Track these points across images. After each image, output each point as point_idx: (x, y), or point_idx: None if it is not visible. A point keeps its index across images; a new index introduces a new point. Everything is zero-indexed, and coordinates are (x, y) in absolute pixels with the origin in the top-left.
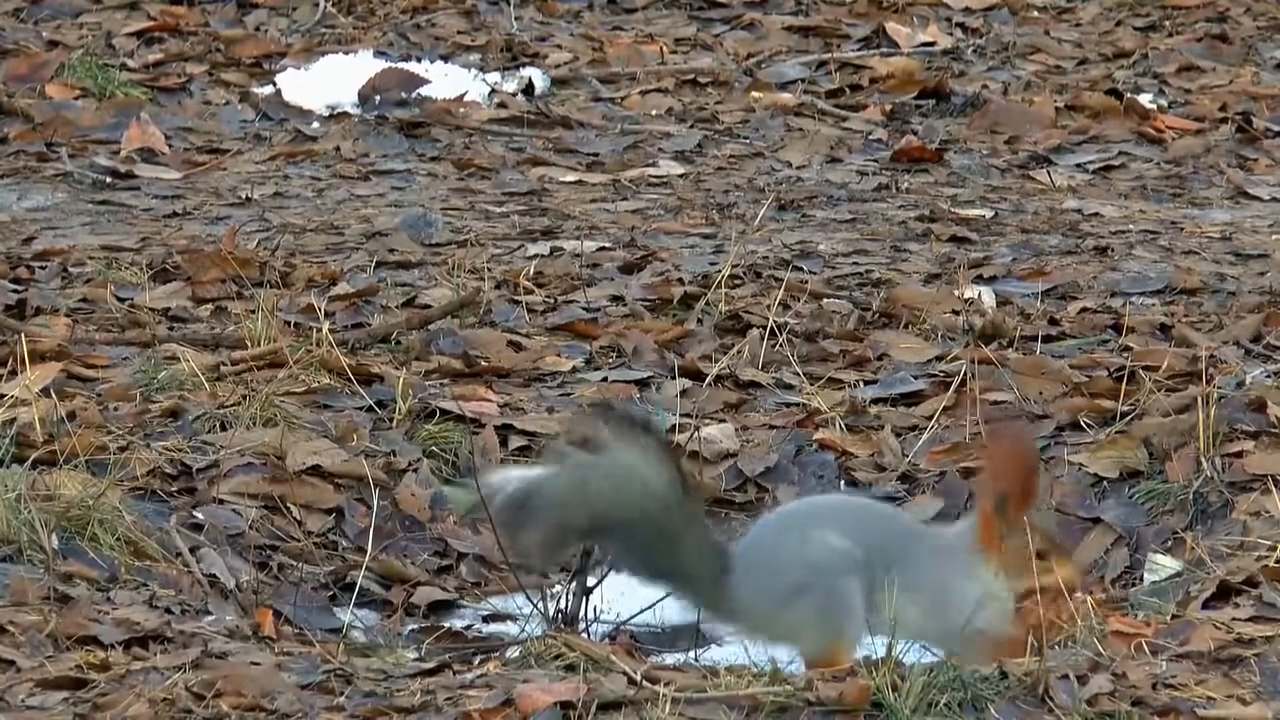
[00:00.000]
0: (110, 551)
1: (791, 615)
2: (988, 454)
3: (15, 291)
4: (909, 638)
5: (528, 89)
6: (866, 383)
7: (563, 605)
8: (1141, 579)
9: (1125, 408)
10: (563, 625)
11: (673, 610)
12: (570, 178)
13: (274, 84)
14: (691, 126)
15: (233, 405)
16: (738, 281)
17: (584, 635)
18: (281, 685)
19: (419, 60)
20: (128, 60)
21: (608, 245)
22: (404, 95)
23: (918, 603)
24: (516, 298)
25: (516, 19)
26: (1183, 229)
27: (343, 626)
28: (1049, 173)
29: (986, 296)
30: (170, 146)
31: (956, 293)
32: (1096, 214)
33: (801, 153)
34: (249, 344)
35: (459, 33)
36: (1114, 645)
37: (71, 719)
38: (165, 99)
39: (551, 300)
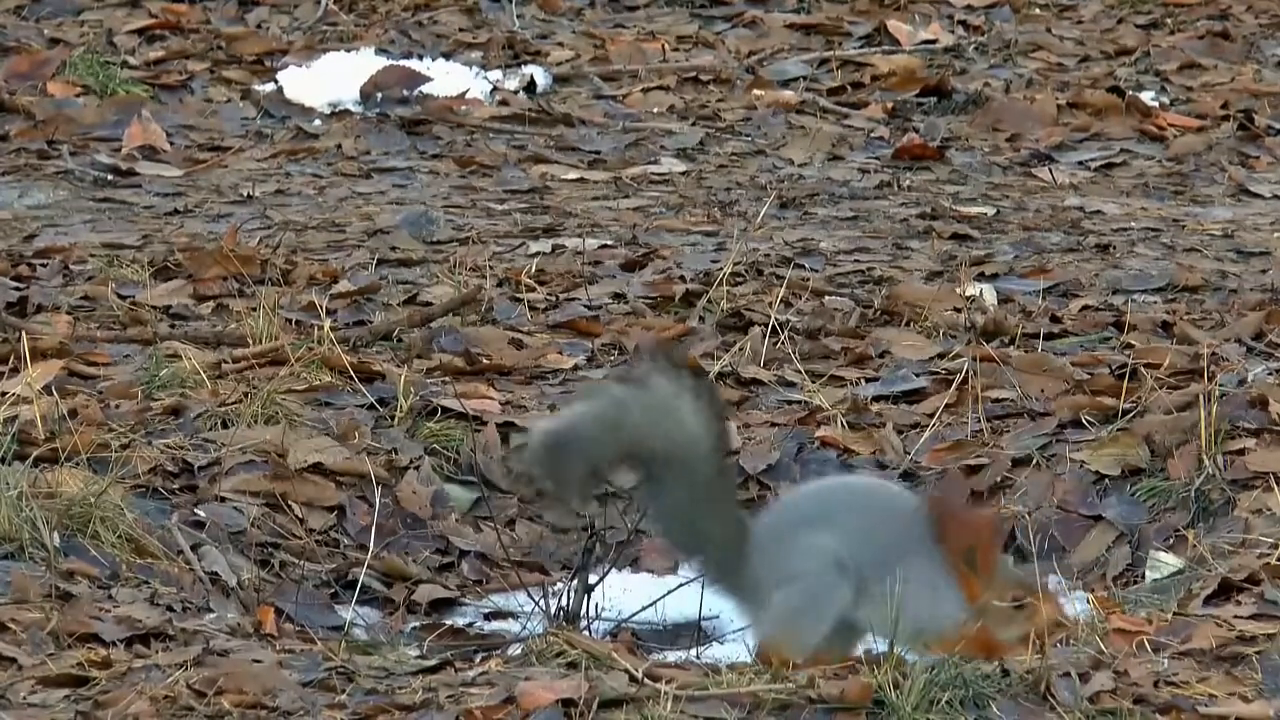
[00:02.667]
0: (112, 549)
1: (775, 602)
2: (940, 520)
3: (16, 289)
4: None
5: (529, 87)
6: (868, 380)
7: (564, 603)
8: (1143, 577)
9: (1127, 405)
10: (564, 623)
11: (674, 608)
12: (572, 175)
13: (275, 81)
14: (693, 124)
15: (234, 403)
16: (739, 279)
17: (585, 633)
18: (283, 683)
19: (420, 58)
20: (129, 58)
21: (609, 243)
22: (405, 93)
23: (906, 599)
24: (518, 295)
25: (518, 16)
26: (1184, 226)
27: (344, 624)
28: (1051, 170)
29: (988, 294)
30: (171, 144)
31: (958, 290)
32: (1098, 211)
33: (803, 150)
34: (250, 342)
35: (460, 30)
36: (1115, 643)
37: (73, 717)
38: (166, 96)
39: (553, 298)
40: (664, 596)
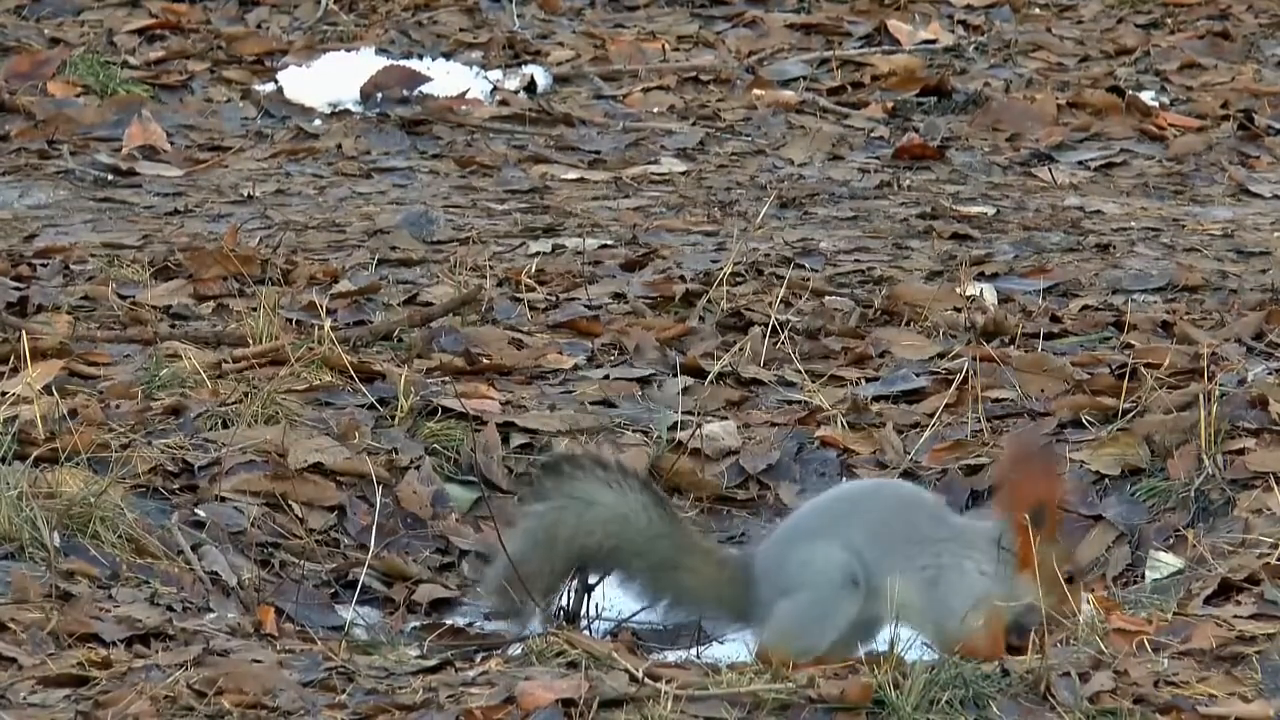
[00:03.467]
0: (112, 549)
1: (779, 609)
2: (1015, 465)
3: (17, 289)
4: (905, 620)
5: (529, 86)
6: (868, 380)
7: (564, 602)
8: (1143, 576)
9: (1127, 405)
10: (564, 622)
11: None
12: (572, 175)
13: (276, 81)
14: (693, 124)
15: (234, 403)
16: (739, 279)
17: (586, 632)
18: (283, 683)
19: (421, 58)
20: (129, 58)
21: (609, 243)
22: (406, 93)
23: (922, 586)
24: (518, 295)
25: (518, 16)
26: (1184, 226)
27: (344, 624)
28: (1051, 170)
29: (988, 294)
30: (172, 144)
31: (958, 290)
32: (1098, 211)
33: (803, 150)
34: (251, 341)
35: (461, 30)
36: (1116, 643)
37: (73, 716)
38: (167, 96)
39: (553, 298)
40: None
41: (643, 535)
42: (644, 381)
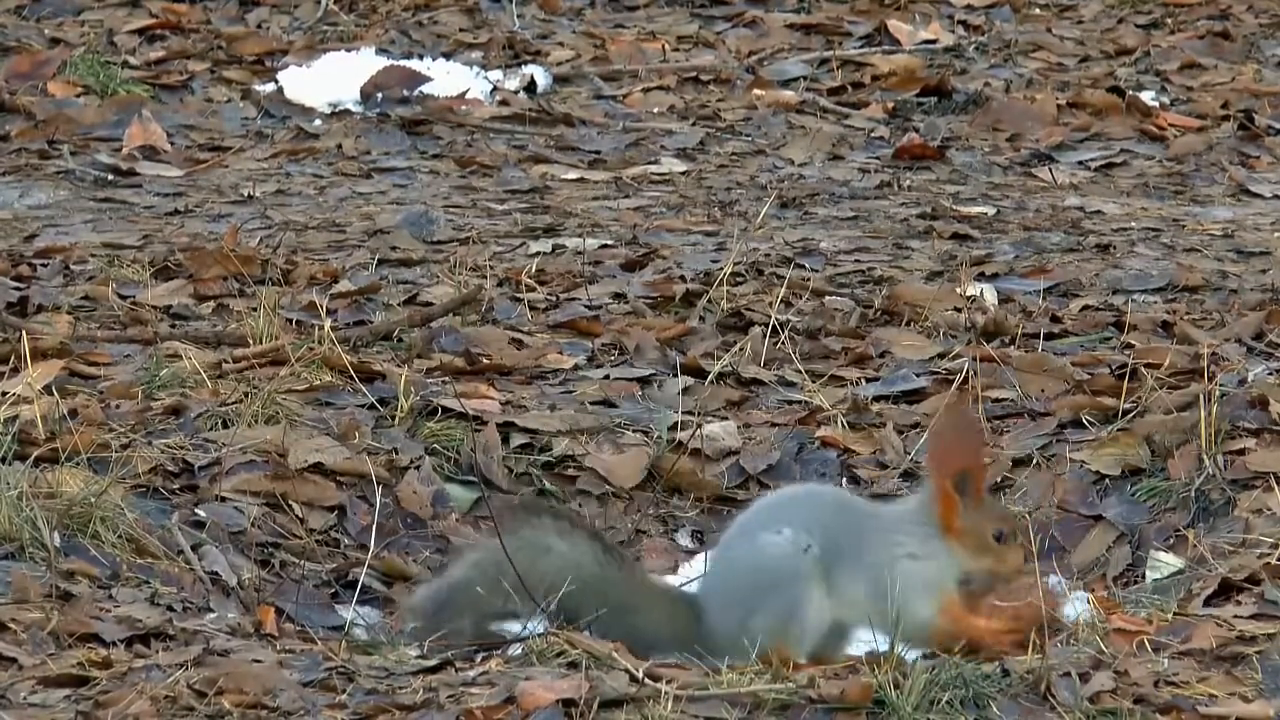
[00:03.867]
0: (112, 549)
1: (752, 627)
2: (939, 432)
3: (17, 289)
4: (858, 620)
5: (529, 86)
6: (868, 380)
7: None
8: (1143, 577)
9: (1127, 405)
10: (565, 622)
11: None
12: (572, 175)
13: (276, 81)
14: (693, 124)
15: (234, 403)
16: (740, 279)
17: (586, 632)
18: (283, 683)
19: (421, 58)
20: (129, 58)
21: (610, 243)
22: (406, 93)
23: (866, 584)
24: (518, 295)
25: (518, 16)
26: (1184, 226)
27: (344, 624)
28: (1051, 170)
29: (988, 294)
30: (172, 144)
31: (958, 290)
32: (1098, 211)
33: (803, 150)
34: (251, 341)
35: (461, 30)
36: (1116, 643)
37: (74, 716)
38: (167, 96)
39: (553, 298)
40: None
41: (595, 580)
42: (644, 381)
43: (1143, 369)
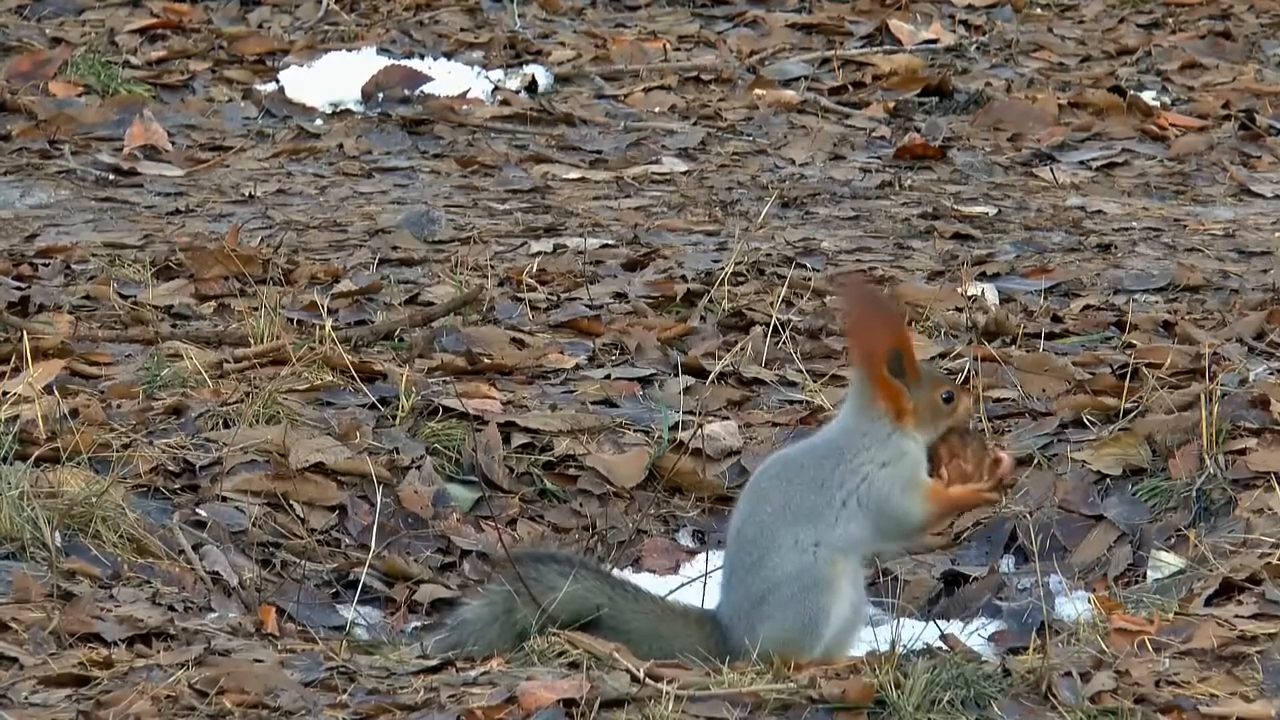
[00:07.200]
0: (113, 549)
1: (771, 624)
2: (855, 320)
3: (18, 289)
4: (873, 549)
5: (531, 86)
6: None
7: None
8: (1145, 576)
9: (1128, 405)
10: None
11: None
12: (573, 175)
13: (277, 81)
14: (694, 124)
15: (235, 403)
16: (741, 279)
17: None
18: (284, 682)
19: (422, 57)
20: (130, 57)
21: (611, 242)
22: (407, 92)
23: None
24: (519, 295)
25: (519, 16)
26: (1185, 226)
27: (345, 624)
28: (1052, 170)
29: (989, 294)
30: (173, 144)
31: (960, 290)
32: (1099, 211)
33: (804, 150)
34: (252, 341)
35: (462, 30)
36: (1117, 643)
37: (75, 716)
38: (168, 96)
39: (554, 297)
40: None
41: (611, 615)
42: (645, 381)
43: (1144, 369)
